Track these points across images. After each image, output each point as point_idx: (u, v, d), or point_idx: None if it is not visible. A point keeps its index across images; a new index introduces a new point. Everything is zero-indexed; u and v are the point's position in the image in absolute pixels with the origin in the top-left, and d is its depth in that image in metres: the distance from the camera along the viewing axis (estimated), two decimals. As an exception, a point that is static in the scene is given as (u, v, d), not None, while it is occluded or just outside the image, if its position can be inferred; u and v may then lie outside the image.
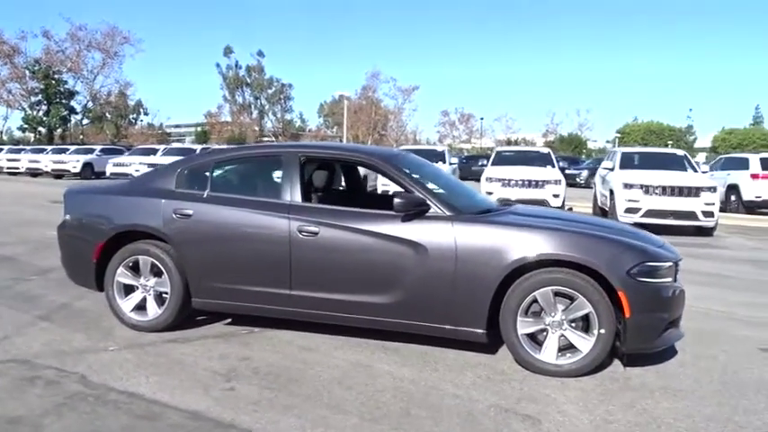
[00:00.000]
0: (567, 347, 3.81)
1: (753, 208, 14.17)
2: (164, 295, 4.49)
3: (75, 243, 4.72)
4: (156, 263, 4.43)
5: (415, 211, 3.94)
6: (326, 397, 3.43)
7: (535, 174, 12.70)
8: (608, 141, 75.71)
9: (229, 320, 4.80)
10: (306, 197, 4.31)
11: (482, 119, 67.16)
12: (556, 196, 12.28)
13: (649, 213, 10.42)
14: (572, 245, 3.76)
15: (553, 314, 3.79)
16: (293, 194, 4.26)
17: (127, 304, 4.54)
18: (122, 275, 4.53)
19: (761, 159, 14.18)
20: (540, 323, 3.82)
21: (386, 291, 3.98)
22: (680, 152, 12.63)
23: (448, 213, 3.97)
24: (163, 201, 4.43)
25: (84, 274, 4.72)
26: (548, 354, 3.80)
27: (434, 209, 3.98)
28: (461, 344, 4.14)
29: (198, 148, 24.72)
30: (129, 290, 4.57)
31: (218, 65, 64.24)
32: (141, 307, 4.53)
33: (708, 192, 10.44)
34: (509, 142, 63.89)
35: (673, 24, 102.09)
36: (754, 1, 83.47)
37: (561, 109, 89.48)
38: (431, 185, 4.24)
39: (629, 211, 10.59)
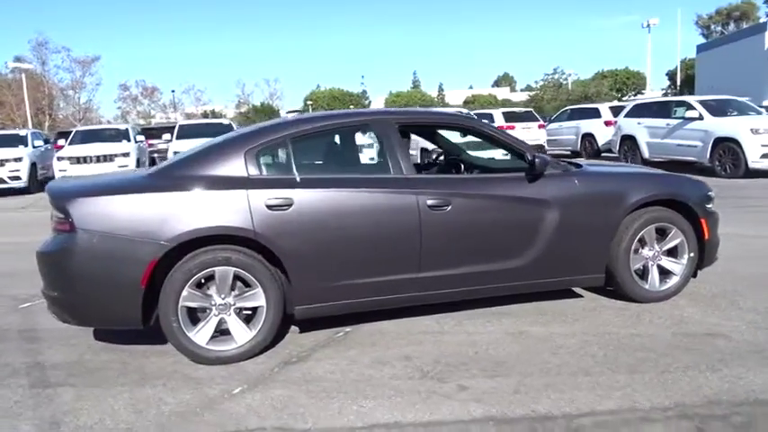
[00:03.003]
0: (661, 274, 4.33)
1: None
2: (244, 312, 3.56)
3: (104, 266, 3.33)
4: (243, 272, 3.46)
5: (542, 171, 3.93)
6: (555, 367, 3.30)
7: None
8: (289, 112, 79.66)
9: (297, 330, 4.03)
10: (415, 168, 3.87)
11: (173, 91, 63.49)
12: None
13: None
14: (670, 185, 4.28)
15: (651, 248, 4.26)
16: (405, 167, 3.78)
17: (201, 335, 3.46)
18: (190, 298, 3.42)
19: (503, 113, 17.05)
20: (642, 258, 4.25)
21: (521, 254, 3.91)
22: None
23: (560, 171, 4.07)
24: (248, 191, 3.45)
25: (118, 310, 3.41)
26: (653, 283, 4.27)
27: (549, 168, 4.02)
28: (547, 295, 4.32)
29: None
30: (192, 315, 3.49)
31: None
32: (218, 333, 3.51)
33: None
34: (205, 115, 61.90)
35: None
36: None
37: (251, 79, 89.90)
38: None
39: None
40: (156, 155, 17.58)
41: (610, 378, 3.13)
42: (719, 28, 46.04)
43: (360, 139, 4.09)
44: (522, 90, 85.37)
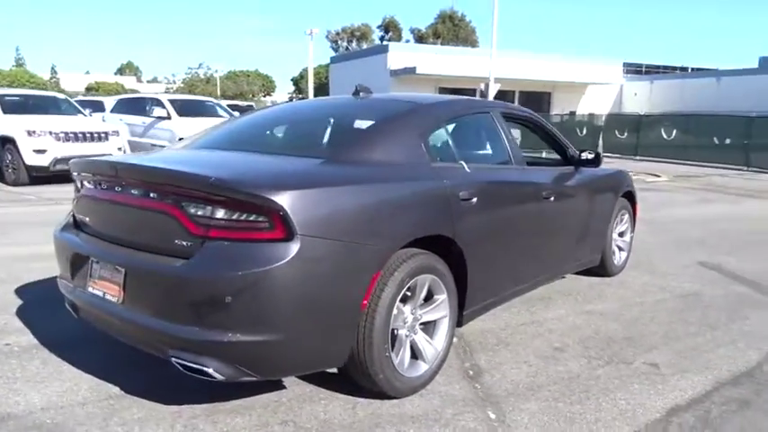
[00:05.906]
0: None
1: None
2: (418, 326, 2.99)
3: (327, 286, 2.34)
4: (436, 279, 2.90)
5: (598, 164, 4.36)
6: (688, 336, 3.75)
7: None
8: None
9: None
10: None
11: None
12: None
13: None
14: (628, 177, 5.17)
15: (614, 230, 5.10)
16: (520, 158, 3.69)
17: (400, 362, 2.77)
18: (397, 317, 2.71)
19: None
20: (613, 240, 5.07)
21: (580, 241, 4.26)
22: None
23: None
24: (445, 182, 2.88)
25: (329, 345, 2.46)
26: (618, 259, 5.12)
27: None
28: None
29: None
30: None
31: None
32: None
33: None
34: None
35: None
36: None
37: None
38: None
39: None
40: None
41: (737, 332, 3.80)
42: (345, 43, 52.87)
43: (478, 126, 3.75)
44: (149, 81, 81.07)
